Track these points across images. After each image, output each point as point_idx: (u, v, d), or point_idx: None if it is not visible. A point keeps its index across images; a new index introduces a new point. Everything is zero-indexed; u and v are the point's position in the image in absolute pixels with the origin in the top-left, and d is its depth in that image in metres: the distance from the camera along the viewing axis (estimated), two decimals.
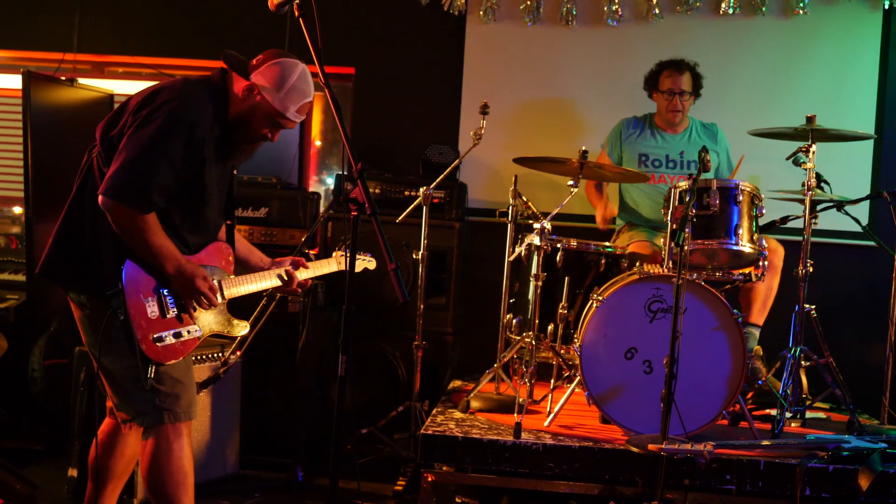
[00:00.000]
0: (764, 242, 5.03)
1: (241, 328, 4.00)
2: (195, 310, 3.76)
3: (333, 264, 4.44)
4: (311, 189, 7.02)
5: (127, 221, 3.51)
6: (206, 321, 3.83)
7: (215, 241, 3.92)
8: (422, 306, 5.51)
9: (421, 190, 5.47)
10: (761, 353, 5.58)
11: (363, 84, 7.00)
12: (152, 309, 3.62)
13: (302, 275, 4.19)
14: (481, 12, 6.74)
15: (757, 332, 5.66)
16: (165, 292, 3.67)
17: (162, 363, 3.64)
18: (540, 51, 6.78)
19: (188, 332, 3.73)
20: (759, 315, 5.65)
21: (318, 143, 7.26)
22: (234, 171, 4.04)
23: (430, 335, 5.80)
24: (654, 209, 5.94)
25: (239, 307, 4.09)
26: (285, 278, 4.13)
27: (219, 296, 3.81)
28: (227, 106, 3.75)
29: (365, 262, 4.68)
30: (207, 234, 3.87)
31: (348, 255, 4.06)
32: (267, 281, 4.09)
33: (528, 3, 6.68)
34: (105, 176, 3.53)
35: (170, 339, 3.66)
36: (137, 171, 3.49)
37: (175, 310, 3.69)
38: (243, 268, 4.08)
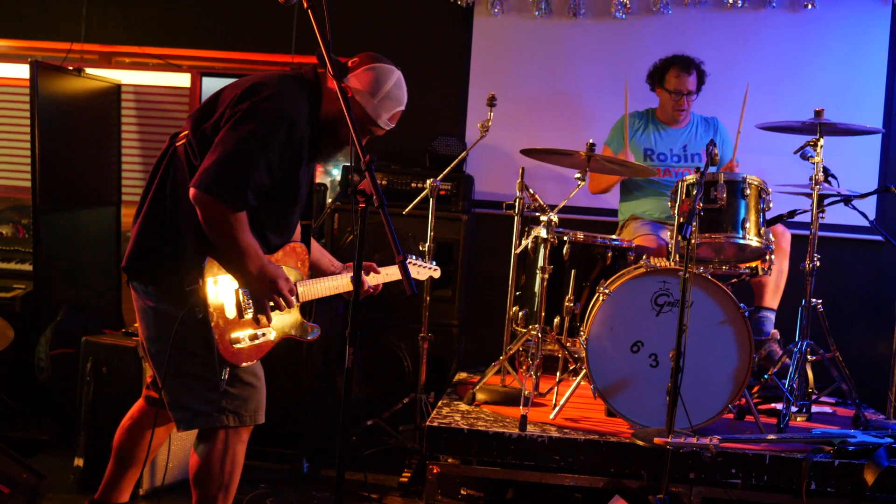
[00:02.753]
0: (771, 236, 5.04)
1: (313, 331, 3.90)
2: (273, 310, 3.65)
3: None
4: (317, 181, 7.01)
5: (218, 217, 3.40)
6: (280, 324, 3.72)
7: (291, 241, 3.83)
8: (428, 298, 5.50)
9: (428, 182, 5.46)
10: (778, 337, 5.59)
11: None
12: (230, 308, 3.52)
13: (372, 280, 4.10)
14: (489, 4, 6.74)
15: (772, 316, 5.67)
16: (244, 292, 3.56)
17: (237, 365, 3.55)
18: (547, 43, 6.77)
19: (263, 333, 3.63)
20: (772, 299, 5.68)
21: None
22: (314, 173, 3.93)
23: (436, 327, 5.81)
24: (659, 203, 5.94)
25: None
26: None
27: (294, 297, 3.71)
28: (319, 106, 3.64)
29: (430, 271, 4.58)
30: (288, 235, 3.78)
31: (356, 249, 4.07)
32: (340, 285, 3.99)
33: None
34: (198, 169, 3.42)
35: (245, 341, 3.56)
36: (235, 168, 3.38)
37: (252, 310, 3.59)
38: (315, 271, 3.98)
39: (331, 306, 5.62)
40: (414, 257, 4.48)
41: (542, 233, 5.11)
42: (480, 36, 6.83)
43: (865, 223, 5.45)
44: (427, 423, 4.73)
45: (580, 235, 5.20)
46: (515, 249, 5.41)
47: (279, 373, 5.44)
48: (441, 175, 5.52)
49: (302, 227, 3.92)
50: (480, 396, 5.20)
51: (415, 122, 6.76)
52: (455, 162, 5.64)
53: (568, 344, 5.17)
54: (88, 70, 6.56)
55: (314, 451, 5.40)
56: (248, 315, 3.57)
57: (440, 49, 6.93)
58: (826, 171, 5.20)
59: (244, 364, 3.57)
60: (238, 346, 3.53)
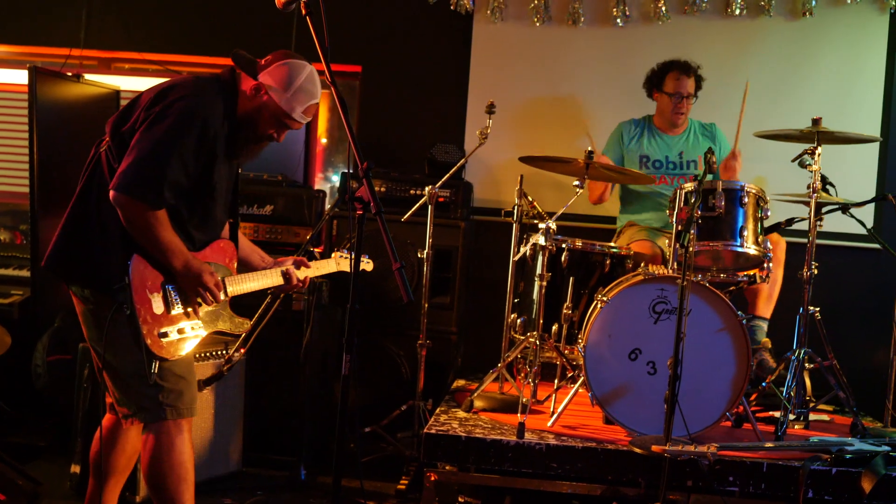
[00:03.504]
0: (769, 244, 5.04)
1: (244, 326, 4.01)
2: (200, 305, 3.77)
3: (332, 265, 4.46)
4: (317, 187, 7.01)
5: (138, 217, 3.51)
6: (209, 318, 3.84)
7: (219, 238, 3.93)
8: (426, 305, 5.50)
9: (426, 189, 5.47)
10: (770, 346, 5.59)
11: (370, 82, 7.00)
12: (157, 304, 3.62)
13: (302, 274, 4.20)
14: (489, 11, 6.74)
15: (765, 325, 5.67)
16: (170, 288, 3.67)
17: (166, 359, 3.63)
18: (547, 50, 6.77)
19: (192, 328, 3.73)
20: (765, 307, 5.67)
21: (323, 140, 7.26)
22: (240, 170, 4.05)
23: (435, 334, 5.80)
24: (655, 211, 5.95)
25: (243, 305, 4.10)
26: (286, 277, 4.14)
27: (222, 293, 3.81)
28: (235, 104, 3.76)
29: (362, 264, 4.63)
30: (213, 232, 3.88)
31: (352, 255, 4.09)
32: (269, 279, 4.10)
33: (536, 2, 6.67)
34: (116, 171, 3.53)
35: (174, 335, 3.65)
36: (150, 167, 3.49)
37: (180, 306, 3.70)
38: (245, 267, 4.09)
39: (328, 313, 5.62)
40: (347, 252, 4.56)
41: (541, 240, 5.10)
42: (480, 43, 6.83)
43: (863, 231, 5.45)
44: (425, 430, 4.73)
45: (578, 243, 5.20)
46: (514, 257, 5.41)
47: (276, 380, 5.45)
48: (440, 182, 5.52)
49: (230, 224, 4.04)
50: (478, 404, 5.19)
51: (414, 129, 6.82)
52: (454, 169, 5.65)
53: (566, 351, 5.17)
54: (87, 76, 6.56)
55: (312, 458, 5.40)
56: (176, 310, 3.68)
57: (440, 56, 6.94)
58: (824, 179, 5.20)
59: (174, 358, 3.67)
60: (166, 340, 3.63)
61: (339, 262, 4.48)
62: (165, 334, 3.63)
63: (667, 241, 5.16)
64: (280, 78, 3.74)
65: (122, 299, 3.53)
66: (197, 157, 3.60)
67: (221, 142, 3.68)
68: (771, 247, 5.09)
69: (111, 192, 3.50)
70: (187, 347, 3.73)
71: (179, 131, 3.54)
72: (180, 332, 3.68)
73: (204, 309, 3.80)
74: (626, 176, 5.57)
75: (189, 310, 3.73)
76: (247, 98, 3.76)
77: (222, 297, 3.82)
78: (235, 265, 4.00)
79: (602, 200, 6.24)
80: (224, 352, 5.06)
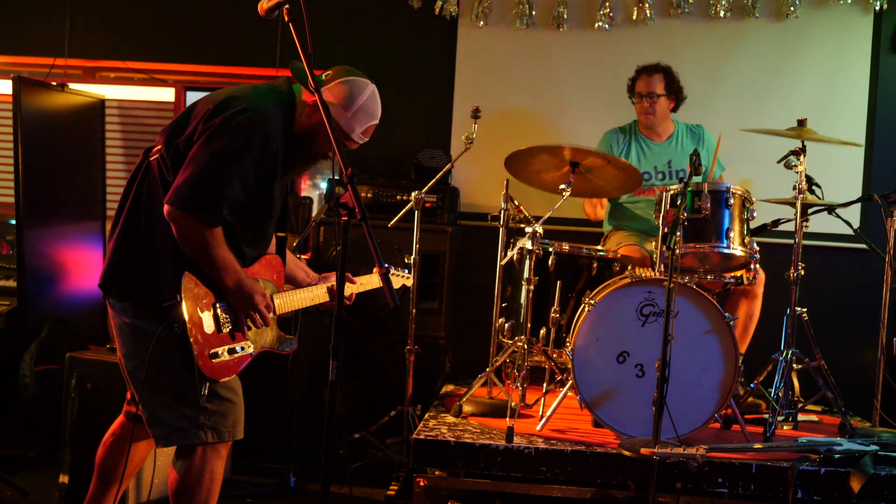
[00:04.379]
0: (755, 245, 5.05)
1: (290, 344, 3.89)
2: (249, 328, 3.64)
3: (376, 279, 4.23)
4: (304, 194, 7.00)
5: (193, 233, 3.39)
6: (258, 337, 3.71)
7: (267, 253, 3.81)
8: (414, 311, 5.50)
9: (413, 194, 5.46)
10: (742, 380, 5.52)
11: None
12: (209, 323, 3.49)
13: (348, 290, 4.08)
14: (473, 16, 6.76)
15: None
16: (221, 306, 3.54)
17: (216, 380, 3.52)
18: (532, 54, 6.79)
19: (241, 348, 3.60)
20: (739, 343, 5.63)
21: None
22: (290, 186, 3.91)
23: (423, 340, 5.80)
24: (644, 219, 5.95)
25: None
26: (331, 293, 4.02)
27: (271, 313, 3.69)
28: (293, 120, 3.62)
29: (402, 279, 4.57)
30: (263, 248, 3.76)
31: (399, 270, 4.06)
32: (316, 297, 3.98)
33: (520, 6, 6.68)
34: (171, 185, 3.40)
35: (224, 356, 3.53)
36: (209, 184, 3.36)
37: (230, 325, 3.56)
38: (290, 282, 3.97)
39: (317, 319, 5.61)
40: (391, 267, 4.45)
41: (528, 244, 5.10)
42: (465, 48, 6.84)
43: (850, 231, 5.47)
44: (414, 435, 4.72)
45: (565, 246, 5.20)
46: (501, 261, 5.41)
47: (265, 387, 5.44)
48: (426, 187, 5.52)
49: (277, 238, 3.89)
50: (467, 408, 5.19)
51: (400, 135, 6.80)
52: (440, 174, 5.64)
53: (554, 355, 5.17)
54: (72, 85, 6.56)
55: (301, 464, 5.40)
56: (226, 329, 3.55)
57: (425, 61, 6.95)
58: (810, 180, 5.21)
59: (223, 379, 3.54)
60: (217, 360, 3.50)
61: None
62: (217, 354, 3.49)
63: (654, 243, 5.15)
64: (342, 96, 3.61)
65: (173, 318, 3.40)
66: (257, 174, 3.46)
67: (280, 158, 3.54)
68: (757, 248, 5.10)
69: (166, 207, 3.37)
70: (236, 368, 3.59)
71: (240, 147, 3.40)
72: (231, 352, 3.55)
73: (255, 329, 3.68)
74: (615, 174, 5.48)
75: (239, 330, 3.60)
76: (306, 114, 3.62)
77: (271, 318, 3.71)
78: (283, 281, 3.87)
79: (599, 217, 6.23)
80: None
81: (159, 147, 3.57)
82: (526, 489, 4.64)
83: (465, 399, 5.24)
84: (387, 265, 4.38)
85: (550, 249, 5.17)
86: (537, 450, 4.58)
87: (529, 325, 5.09)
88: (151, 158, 3.57)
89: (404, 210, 5.50)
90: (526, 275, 5.10)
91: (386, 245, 5.97)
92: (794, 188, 5.12)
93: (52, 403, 5.28)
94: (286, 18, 3.34)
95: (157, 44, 7.14)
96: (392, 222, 5.54)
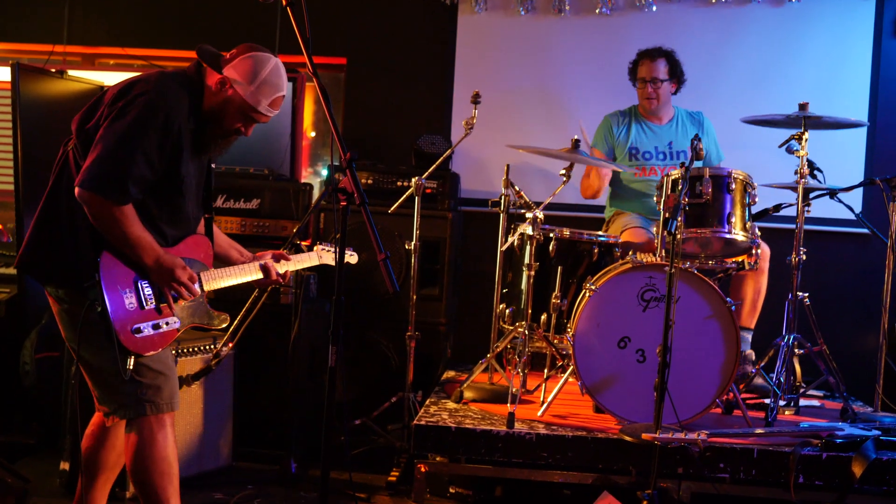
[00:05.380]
0: (757, 230, 5.03)
1: (222, 321, 3.97)
2: (176, 301, 3.73)
3: (315, 258, 4.41)
4: (305, 180, 7.00)
5: (104, 213, 3.49)
6: (185, 314, 3.81)
7: (194, 234, 3.90)
8: (415, 297, 5.49)
9: (413, 180, 5.45)
10: (753, 358, 5.58)
11: (355, 75, 6.99)
12: (130, 300, 3.58)
13: (282, 268, 4.16)
14: (473, 2, 6.74)
15: (749, 336, 5.66)
16: (143, 284, 3.64)
17: (141, 354, 3.61)
18: (532, 40, 6.77)
19: (167, 323, 3.69)
20: (749, 318, 5.66)
21: (311, 134, 7.24)
22: (213, 165, 4.02)
23: (424, 326, 5.79)
24: (646, 201, 5.93)
25: (233, 301, 4.07)
26: (265, 271, 4.10)
27: (197, 287, 3.78)
28: (201, 99, 3.73)
29: (346, 257, 4.61)
30: (185, 227, 3.84)
31: (336, 247, 4.07)
32: (247, 274, 4.06)
33: None
34: (81, 168, 3.51)
35: (148, 331, 3.62)
36: (114, 163, 3.46)
37: (153, 301, 3.66)
38: (223, 262, 4.05)
39: (317, 306, 5.60)
40: (330, 245, 4.51)
41: (528, 230, 5.09)
42: (465, 34, 6.83)
43: (851, 216, 5.46)
44: (415, 421, 4.72)
45: (566, 232, 5.19)
46: (501, 247, 5.40)
47: (266, 373, 5.44)
48: (426, 173, 5.50)
49: (205, 220, 4.00)
50: (468, 394, 5.19)
51: (400, 121, 6.81)
52: (440, 160, 5.63)
53: (555, 341, 5.16)
54: (71, 72, 6.52)
55: (302, 451, 5.38)
56: (150, 305, 3.65)
57: (425, 48, 6.93)
58: (811, 164, 5.20)
59: (148, 353, 3.64)
60: (140, 335, 3.59)
61: (321, 256, 4.43)
62: (139, 329, 3.59)
63: (656, 228, 5.14)
64: (245, 71, 3.71)
65: (94, 297, 3.50)
66: (161, 151, 3.56)
67: (187, 136, 3.64)
68: (759, 233, 5.09)
69: (76, 189, 3.47)
70: (162, 343, 3.69)
71: (142, 126, 3.50)
72: (155, 327, 3.65)
73: (181, 304, 3.77)
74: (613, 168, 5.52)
75: (163, 305, 3.70)
76: (212, 93, 3.72)
77: (198, 290, 3.79)
78: (212, 260, 3.96)
79: (596, 196, 6.21)
80: (212, 346, 5.05)
81: (73, 137, 3.68)
82: (527, 475, 4.64)
83: (466, 385, 5.24)
84: (325, 244, 4.48)
85: (551, 235, 5.16)
86: (538, 435, 4.57)
87: (530, 311, 5.08)
88: (68, 148, 3.69)
89: (404, 196, 5.49)
90: (527, 260, 5.09)
91: (386, 231, 5.96)
92: (796, 173, 5.10)
93: (52, 391, 5.27)
94: (284, 2, 3.40)
95: (155, 30, 7.13)
96: (392, 208, 5.52)
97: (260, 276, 4.10)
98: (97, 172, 3.45)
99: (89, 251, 3.54)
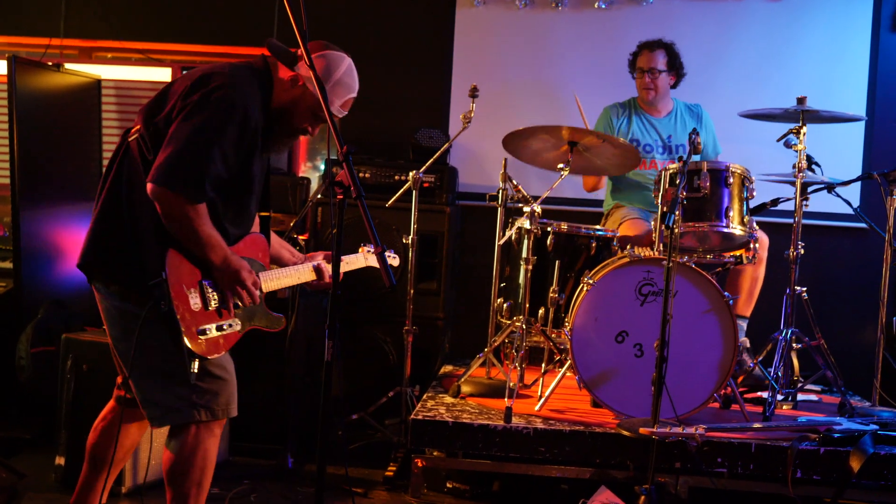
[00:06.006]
0: (755, 224, 5.02)
1: (278, 322, 3.87)
2: (237, 305, 3.62)
3: (361, 259, 4.32)
4: (302, 174, 6.98)
5: (178, 211, 3.35)
6: (245, 315, 3.67)
7: (251, 233, 3.79)
8: (412, 291, 5.48)
9: (410, 174, 5.43)
10: (748, 346, 5.58)
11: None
12: (195, 300, 3.45)
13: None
14: None
15: (744, 324, 5.66)
16: (208, 283, 3.51)
17: (206, 357, 3.49)
18: (530, 34, 6.76)
19: (229, 325, 3.57)
20: (745, 306, 5.65)
21: None
22: (269, 163, 3.89)
23: (421, 320, 5.77)
24: (647, 194, 5.93)
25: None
26: (318, 272, 4.01)
27: (258, 290, 3.67)
28: (270, 95, 3.61)
29: (389, 259, 4.50)
30: (246, 226, 3.73)
31: (335, 242, 4.07)
32: (302, 275, 3.97)
33: None
34: (153, 163, 3.37)
35: (213, 332, 3.48)
36: (191, 159, 3.34)
37: (216, 302, 3.53)
38: (275, 262, 3.95)
39: (314, 300, 5.59)
40: (373, 247, 4.44)
41: (526, 224, 5.08)
42: (462, 28, 6.82)
43: (849, 210, 5.45)
44: (412, 416, 4.71)
45: (564, 226, 5.18)
46: (499, 241, 5.39)
47: (262, 368, 5.42)
48: (424, 167, 5.48)
49: (261, 218, 3.89)
50: (465, 389, 5.18)
51: (398, 115, 6.79)
52: (438, 154, 5.61)
53: (553, 335, 5.15)
54: (68, 65, 6.51)
55: (299, 446, 5.37)
56: (213, 306, 3.52)
57: (423, 42, 6.91)
58: (809, 158, 5.20)
59: (212, 356, 3.50)
60: (205, 337, 3.46)
61: (367, 258, 4.35)
62: (204, 331, 3.45)
63: (655, 221, 5.14)
64: (320, 69, 3.56)
65: (159, 295, 3.36)
66: (238, 149, 3.44)
67: (260, 134, 3.54)
68: (757, 227, 5.08)
69: (149, 185, 3.33)
70: (226, 346, 3.57)
71: (221, 122, 3.38)
72: (219, 328, 3.52)
73: (242, 306, 3.65)
74: (614, 152, 5.46)
75: (226, 307, 3.57)
76: (283, 89, 3.60)
77: (258, 295, 3.68)
78: (269, 260, 3.86)
79: (597, 188, 6.21)
80: None
81: (138, 127, 3.55)
82: (525, 469, 4.64)
83: (463, 379, 5.23)
84: (369, 246, 4.39)
85: (549, 229, 5.15)
86: (536, 430, 4.57)
87: (528, 305, 5.07)
88: (130, 139, 3.55)
89: (402, 190, 5.47)
90: (524, 254, 5.08)
91: (384, 225, 5.94)
92: (794, 167, 5.10)
93: (48, 385, 5.25)
94: None
95: (153, 23, 7.10)
96: (390, 202, 5.51)
97: (314, 277, 4.01)
98: (173, 169, 3.32)
99: (154, 248, 3.41)
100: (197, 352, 3.43)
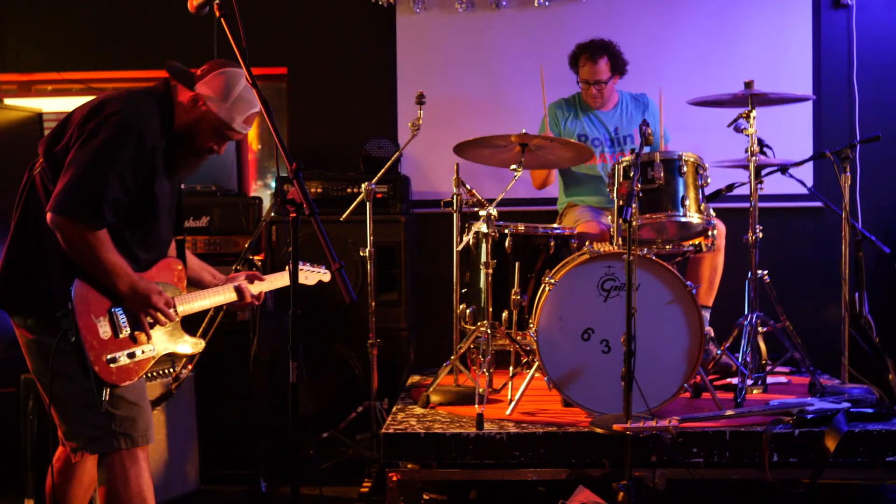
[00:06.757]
0: (711, 211, 5.02)
1: (196, 345, 3.86)
2: (151, 327, 3.62)
3: (287, 277, 4.29)
4: (254, 193, 6.92)
5: (78, 239, 3.38)
6: (160, 340, 3.68)
7: (166, 257, 3.79)
8: (373, 304, 5.42)
9: (363, 186, 5.38)
10: (713, 335, 5.57)
11: (297, 83, 6.92)
12: (104, 329, 3.47)
13: (256, 288, 4.06)
14: (411, 2, 6.71)
15: (707, 314, 5.65)
16: (118, 311, 3.52)
17: (117, 385, 3.49)
18: (472, 37, 6.75)
19: (142, 351, 3.58)
20: (706, 296, 5.66)
21: (256, 146, 7.17)
22: (182, 186, 3.91)
23: (385, 332, 5.72)
24: (597, 190, 5.92)
25: (185, 320, 4.00)
26: (240, 292, 4.01)
27: (173, 311, 3.67)
28: (172, 117, 3.63)
29: (319, 275, 4.54)
30: (158, 250, 3.74)
31: (308, 266, 4.04)
32: (221, 296, 3.96)
33: None
34: (52, 193, 3.39)
35: (124, 360, 3.50)
36: (87, 186, 3.35)
37: (128, 329, 3.55)
38: (196, 285, 3.94)
39: (275, 320, 5.53)
40: (306, 264, 4.46)
41: (483, 228, 5.05)
42: (404, 35, 6.79)
43: (804, 191, 5.46)
44: (382, 430, 4.66)
45: (521, 227, 5.15)
46: (457, 247, 5.34)
47: (228, 393, 5.37)
48: (375, 178, 5.43)
49: (176, 242, 3.90)
50: (435, 398, 5.13)
51: (346, 126, 6.75)
52: (388, 163, 5.56)
53: (518, 337, 5.12)
54: (7, 100, 6.41)
55: (271, 469, 5.32)
56: (125, 334, 3.54)
57: (365, 51, 6.88)
58: (761, 142, 5.20)
59: (125, 384, 3.52)
60: (116, 365, 3.48)
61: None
62: (115, 359, 3.48)
63: (610, 217, 5.12)
64: (218, 88, 3.61)
65: (67, 326, 3.39)
66: (135, 172, 3.46)
67: (160, 156, 3.54)
68: (714, 214, 5.07)
69: (48, 215, 3.36)
70: (138, 371, 3.58)
71: (115, 146, 3.40)
72: (131, 356, 3.53)
73: (156, 331, 3.65)
74: (566, 152, 5.48)
75: (139, 333, 3.58)
76: (184, 110, 3.62)
77: (174, 315, 3.68)
78: (185, 284, 3.85)
79: (546, 185, 6.20)
80: (171, 370, 4.96)
81: (41, 160, 3.57)
82: (500, 475, 4.59)
83: (431, 389, 5.18)
84: (303, 263, 4.39)
85: (506, 231, 5.12)
86: (509, 434, 4.52)
87: (491, 310, 5.03)
88: (35, 172, 3.58)
89: (355, 202, 5.41)
90: (483, 258, 5.05)
91: (340, 239, 5.89)
92: (746, 151, 5.10)
93: (11, 428, 5.16)
94: (217, 14, 3.36)
95: (93, 53, 7.02)
96: (344, 216, 5.46)
97: (234, 297, 4.00)
98: (70, 196, 3.34)
99: (60, 278, 3.43)
100: (108, 380, 3.46)
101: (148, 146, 3.48)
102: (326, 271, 4.57)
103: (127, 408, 3.55)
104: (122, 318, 3.53)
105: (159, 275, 3.71)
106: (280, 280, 4.26)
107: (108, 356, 3.47)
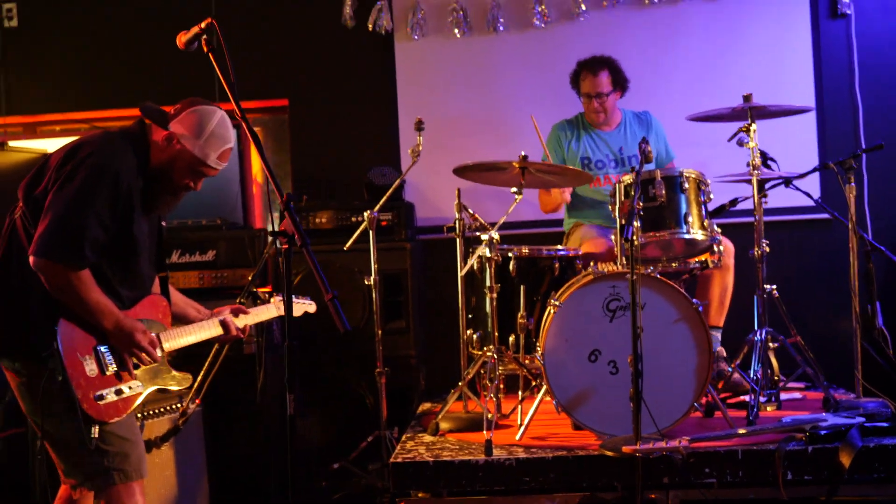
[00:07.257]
0: (716, 227, 4.98)
1: (184, 381, 3.91)
2: (136, 366, 3.67)
3: (273, 309, 4.37)
4: (260, 226, 6.91)
5: (61, 280, 3.44)
6: (147, 376, 3.74)
7: (149, 294, 3.85)
8: (380, 332, 5.38)
9: (365, 214, 5.36)
10: (724, 355, 5.53)
11: (298, 114, 6.93)
12: (91, 367, 3.52)
13: (241, 322, 4.12)
14: (408, 29, 6.72)
15: (718, 335, 5.61)
16: (103, 349, 3.58)
17: (105, 422, 3.54)
18: (471, 61, 6.75)
19: (129, 388, 3.63)
20: (717, 316, 5.62)
21: (261, 178, 7.16)
22: (163, 223, 3.97)
23: (394, 360, 5.70)
24: (603, 211, 5.89)
25: (193, 354, 4.01)
26: (225, 326, 4.06)
27: (158, 350, 3.73)
28: (147, 156, 3.69)
29: (304, 306, 4.59)
30: (141, 288, 3.80)
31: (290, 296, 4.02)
32: (206, 331, 4.01)
33: (455, 15, 6.64)
34: (33, 236, 3.46)
35: (111, 397, 3.55)
36: (67, 228, 3.43)
37: (114, 366, 3.60)
38: (181, 321, 3.99)
39: (282, 352, 5.50)
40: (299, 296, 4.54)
41: (486, 252, 5.02)
42: (403, 62, 6.80)
43: (810, 203, 5.41)
44: (391, 459, 4.62)
45: (525, 249, 5.13)
46: (461, 272, 5.32)
47: (237, 426, 5.36)
48: (378, 205, 5.41)
49: (160, 279, 3.96)
50: (444, 425, 5.09)
51: (349, 155, 6.76)
52: (391, 191, 5.54)
53: (526, 361, 5.08)
54: (12, 143, 6.43)
55: (281, 500, 5.29)
56: (111, 371, 3.59)
57: (365, 79, 6.89)
58: (765, 155, 5.16)
59: (113, 420, 3.57)
60: (103, 402, 3.53)
61: (278, 307, 4.38)
62: (102, 397, 3.52)
63: (615, 236, 5.09)
64: (191, 125, 3.68)
65: (53, 366, 3.44)
66: (113, 211, 3.52)
67: (137, 195, 3.61)
68: (720, 230, 5.03)
69: (31, 258, 3.43)
70: (126, 408, 3.62)
71: (92, 187, 3.47)
72: (118, 392, 3.58)
73: (142, 367, 3.71)
74: (566, 178, 5.47)
75: (124, 371, 3.63)
76: (159, 149, 3.69)
77: (158, 353, 3.74)
78: (170, 320, 3.91)
79: (558, 209, 6.16)
80: (178, 405, 4.94)
81: (21, 204, 3.64)
82: (511, 501, 4.53)
83: (440, 416, 5.14)
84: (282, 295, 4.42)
85: (510, 254, 5.09)
86: (518, 460, 4.48)
87: (497, 334, 5.01)
88: (15, 216, 3.65)
89: (358, 231, 5.39)
90: (488, 283, 5.02)
91: (346, 268, 5.88)
92: (748, 165, 5.06)
93: (21, 468, 5.17)
94: (205, 49, 3.41)
95: (96, 92, 7.06)
96: (347, 244, 5.43)
97: (220, 332, 4.06)
98: (51, 239, 3.41)
99: (44, 319, 3.49)
100: (96, 418, 3.52)
101: (124, 185, 3.54)
102: (311, 302, 4.62)
103: (119, 443, 3.61)
104: (108, 356, 3.60)
105: (143, 312, 3.77)
106: (265, 313, 4.32)
107: (96, 393, 3.52)
